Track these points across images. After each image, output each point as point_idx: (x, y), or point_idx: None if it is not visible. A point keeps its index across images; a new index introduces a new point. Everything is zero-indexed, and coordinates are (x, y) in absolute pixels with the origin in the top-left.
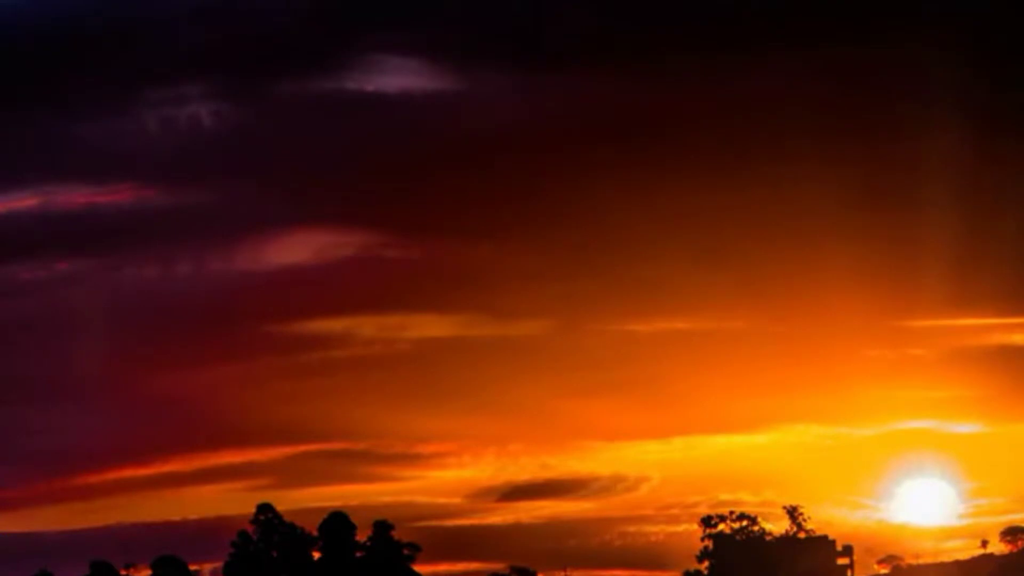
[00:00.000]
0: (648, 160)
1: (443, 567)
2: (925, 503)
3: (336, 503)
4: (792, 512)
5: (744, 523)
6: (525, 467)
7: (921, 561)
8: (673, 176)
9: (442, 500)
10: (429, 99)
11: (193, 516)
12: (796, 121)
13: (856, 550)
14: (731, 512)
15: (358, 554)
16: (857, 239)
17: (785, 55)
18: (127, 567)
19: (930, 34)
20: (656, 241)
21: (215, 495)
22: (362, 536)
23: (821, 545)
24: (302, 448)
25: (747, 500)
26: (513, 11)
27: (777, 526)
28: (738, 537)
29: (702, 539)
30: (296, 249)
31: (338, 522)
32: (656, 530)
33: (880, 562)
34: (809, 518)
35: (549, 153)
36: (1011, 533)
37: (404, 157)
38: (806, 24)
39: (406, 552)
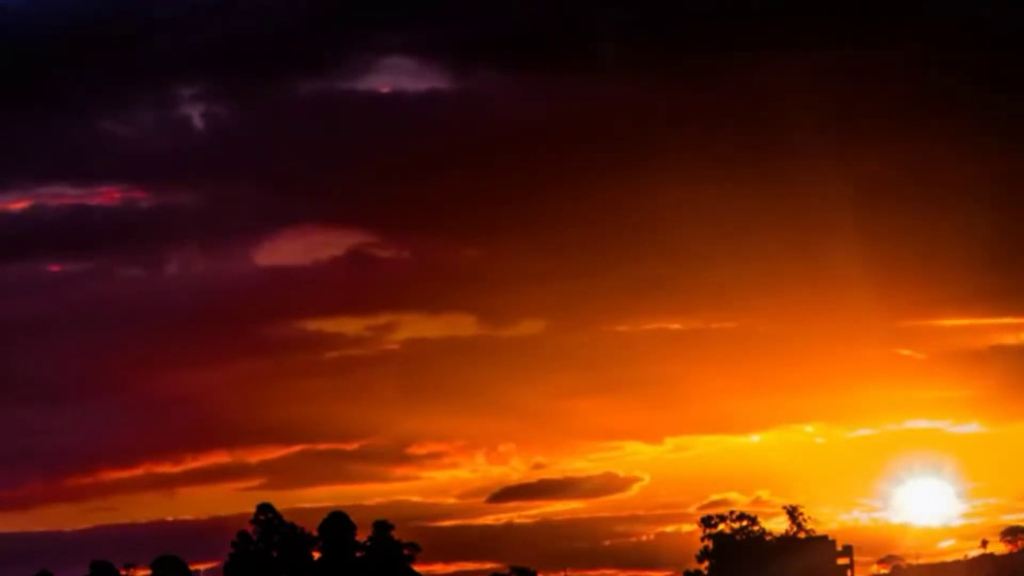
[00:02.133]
0: (644, 160)
1: (443, 567)
2: (925, 503)
3: (336, 503)
4: (792, 512)
5: (744, 523)
6: (523, 468)
7: (921, 561)
8: (669, 176)
9: (442, 500)
10: (428, 99)
11: (193, 516)
12: (798, 121)
13: (856, 550)
14: (731, 512)
15: (358, 554)
16: (858, 239)
17: (784, 56)
18: (127, 567)
19: (929, 34)
20: (652, 241)
21: (215, 495)
22: (362, 536)
23: (821, 545)
24: (302, 448)
25: (745, 500)
26: (513, 11)
27: (777, 526)
28: (738, 537)
29: (702, 539)
30: (296, 249)
31: (338, 522)
32: (655, 530)
33: (880, 562)
34: (809, 518)
35: (547, 153)
36: (1011, 533)
37: (403, 157)
38: (806, 25)
39: (406, 552)
